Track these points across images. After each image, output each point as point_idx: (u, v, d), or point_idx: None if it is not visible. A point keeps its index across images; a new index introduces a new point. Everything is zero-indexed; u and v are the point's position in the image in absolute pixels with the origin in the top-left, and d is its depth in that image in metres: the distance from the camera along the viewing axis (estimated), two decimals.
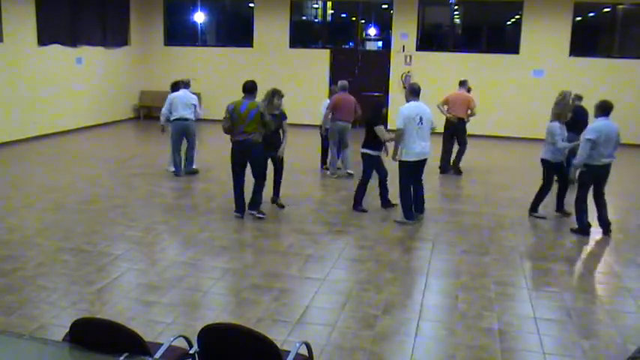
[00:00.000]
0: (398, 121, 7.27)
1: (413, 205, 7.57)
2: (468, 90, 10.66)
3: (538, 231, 7.39)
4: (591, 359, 4.31)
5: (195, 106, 9.63)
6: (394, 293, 5.36)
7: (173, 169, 9.76)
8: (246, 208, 7.52)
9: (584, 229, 7.26)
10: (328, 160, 10.24)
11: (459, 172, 10.53)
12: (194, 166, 9.92)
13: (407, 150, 7.30)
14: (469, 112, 10.46)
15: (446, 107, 10.45)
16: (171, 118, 9.52)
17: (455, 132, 10.49)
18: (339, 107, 9.73)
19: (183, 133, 9.59)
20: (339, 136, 9.85)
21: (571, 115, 8.08)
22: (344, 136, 9.87)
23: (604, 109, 7.00)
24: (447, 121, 10.44)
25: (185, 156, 9.80)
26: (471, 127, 11.01)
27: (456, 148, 10.61)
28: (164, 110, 9.61)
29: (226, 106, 7.30)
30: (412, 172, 7.46)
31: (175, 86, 9.76)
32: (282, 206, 7.99)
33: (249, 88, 7.34)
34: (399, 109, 7.36)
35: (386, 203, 8.11)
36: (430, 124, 7.42)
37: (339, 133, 9.80)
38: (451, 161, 10.60)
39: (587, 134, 6.98)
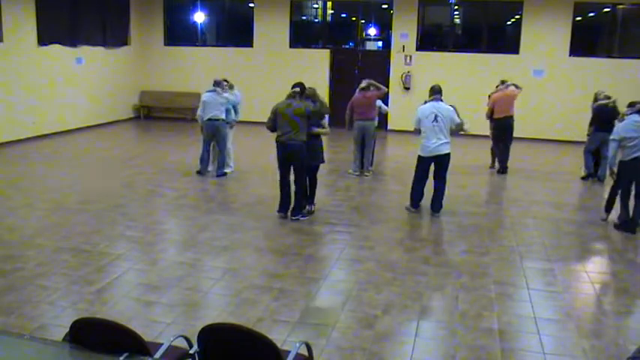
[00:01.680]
0: (413, 119, 7.87)
1: (421, 197, 8.00)
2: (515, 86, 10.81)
3: (538, 231, 7.39)
4: (591, 359, 4.31)
5: (228, 106, 9.60)
6: (394, 293, 5.36)
7: (228, 169, 9.89)
8: (290, 215, 7.53)
9: (622, 224, 7.38)
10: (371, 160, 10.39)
11: (505, 170, 10.65)
12: (226, 170, 9.83)
13: (422, 146, 7.77)
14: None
15: (491, 111, 10.53)
16: (205, 118, 9.57)
17: (505, 131, 10.54)
18: (357, 106, 9.96)
19: (213, 133, 9.59)
20: (362, 135, 10.01)
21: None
22: (366, 135, 10.00)
23: (632, 105, 7.37)
24: (496, 122, 10.52)
25: (217, 159, 9.78)
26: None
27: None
28: (198, 111, 9.71)
29: (272, 107, 7.49)
30: (426, 166, 7.87)
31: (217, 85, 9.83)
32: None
33: (303, 89, 7.59)
34: (417, 109, 7.94)
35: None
36: (449, 121, 7.66)
37: (360, 132, 9.98)
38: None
39: (612, 134, 7.27)
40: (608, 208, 7.72)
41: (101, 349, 2.85)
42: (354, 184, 9.60)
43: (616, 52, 14.55)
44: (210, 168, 9.88)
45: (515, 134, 14.17)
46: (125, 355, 2.76)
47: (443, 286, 5.61)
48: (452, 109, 7.79)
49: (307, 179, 7.68)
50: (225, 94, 9.61)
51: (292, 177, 7.56)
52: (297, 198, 7.51)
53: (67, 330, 3.06)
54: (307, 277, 5.67)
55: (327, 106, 7.76)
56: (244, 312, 4.89)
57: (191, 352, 3.07)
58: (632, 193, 7.34)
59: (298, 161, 7.40)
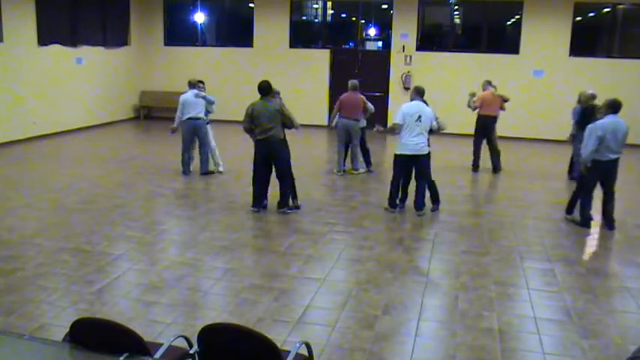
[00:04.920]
0: (397, 116, 7.74)
1: (400, 196, 8.08)
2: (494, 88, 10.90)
3: (538, 231, 7.39)
4: (591, 359, 4.32)
5: (205, 103, 9.63)
6: (394, 293, 5.36)
7: (220, 169, 9.95)
8: (277, 208, 7.80)
9: (585, 222, 7.48)
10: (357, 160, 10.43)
11: (499, 170, 10.74)
12: (220, 169, 9.96)
13: (401, 144, 7.73)
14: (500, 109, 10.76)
15: (477, 107, 10.66)
16: (183, 118, 9.65)
17: (488, 131, 10.64)
18: (343, 105, 10.03)
19: (194, 132, 9.67)
20: (345, 134, 10.07)
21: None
22: (350, 134, 10.06)
23: (612, 107, 7.29)
24: (479, 120, 10.65)
25: (200, 157, 9.85)
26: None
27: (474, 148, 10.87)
28: (177, 113, 9.73)
29: (246, 108, 7.66)
30: (404, 166, 7.87)
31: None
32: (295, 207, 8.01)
33: (264, 88, 7.63)
34: (401, 106, 7.85)
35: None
36: (430, 123, 7.67)
37: (344, 130, 10.04)
38: (480, 163, 10.81)
39: (594, 131, 7.20)
40: (577, 209, 7.76)
41: (101, 349, 2.85)
42: (354, 184, 9.60)
43: (616, 52, 14.55)
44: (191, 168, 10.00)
45: (515, 134, 14.34)
46: (125, 355, 2.76)
47: (443, 286, 5.61)
48: (432, 111, 7.77)
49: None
50: (203, 94, 9.68)
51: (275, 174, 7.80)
52: (283, 193, 7.74)
53: (67, 330, 3.07)
54: (307, 277, 5.67)
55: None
56: (244, 312, 4.89)
57: (191, 352, 3.07)
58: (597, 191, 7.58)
59: (279, 157, 7.64)
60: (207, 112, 9.77)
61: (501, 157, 10.75)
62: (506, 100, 10.77)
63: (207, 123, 9.85)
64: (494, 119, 10.66)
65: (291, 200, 7.93)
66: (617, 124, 7.18)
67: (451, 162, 11.32)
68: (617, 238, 7.23)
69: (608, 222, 7.48)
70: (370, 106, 10.05)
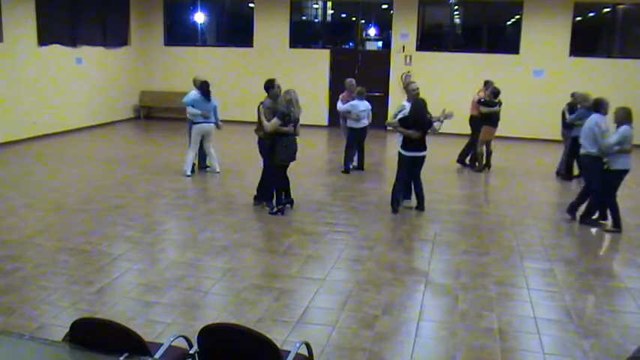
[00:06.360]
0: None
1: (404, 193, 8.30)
2: (496, 94, 10.80)
3: (538, 231, 7.39)
4: (591, 359, 4.32)
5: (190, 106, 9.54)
6: (394, 293, 5.36)
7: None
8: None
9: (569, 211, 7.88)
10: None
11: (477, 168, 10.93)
12: (208, 170, 10.00)
13: None
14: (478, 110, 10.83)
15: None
16: None
17: (472, 130, 11.03)
18: None
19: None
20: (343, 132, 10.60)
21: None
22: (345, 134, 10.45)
23: (593, 105, 7.80)
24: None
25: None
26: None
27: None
28: None
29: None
30: None
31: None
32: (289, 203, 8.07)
33: (265, 86, 7.93)
34: None
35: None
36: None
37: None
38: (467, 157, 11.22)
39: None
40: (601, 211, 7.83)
41: (101, 349, 2.86)
42: (354, 184, 9.59)
43: (616, 52, 14.55)
44: (213, 166, 10.00)
45: (515, 134, 14.33)
46: (125, 355, 2.76)
47: (443, 286, 5.61)
48: (402, 109, 8.14)
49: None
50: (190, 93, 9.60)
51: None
52: (259, 186, 8.04)
53: (67, 330, 3.07)
54: (307, 277, 5.67)
55: (283, 106, 7.48)
56: (244, 312, 4.89)
57: (191, 352, 3.07)
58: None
59: (261, 152, 7.94)
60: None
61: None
62: (477, 101, 10.79)
63: (207, 123, 9.53)
64: (472, 119, 10.92)
65: (275, 203, 7.77)
66: (588, 122, 7.54)
67: (450, 162, 11.31)
68: (618, 238, 7.23)
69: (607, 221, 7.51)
70: (340, 107, 10.17)
